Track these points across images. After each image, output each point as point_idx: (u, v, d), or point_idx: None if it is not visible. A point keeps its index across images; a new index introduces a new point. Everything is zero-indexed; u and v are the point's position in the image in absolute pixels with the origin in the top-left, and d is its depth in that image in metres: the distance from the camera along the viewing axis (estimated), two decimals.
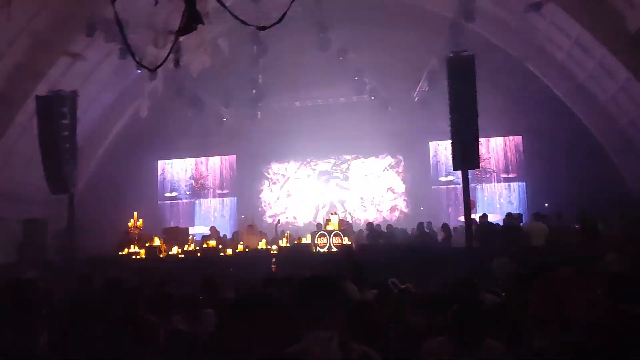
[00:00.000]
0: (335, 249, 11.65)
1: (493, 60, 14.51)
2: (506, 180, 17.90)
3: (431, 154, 18.30)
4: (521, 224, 12.36)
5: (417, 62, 15.85)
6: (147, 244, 12.47)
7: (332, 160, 18.91)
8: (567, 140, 15.74)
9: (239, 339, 2.11)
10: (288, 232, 14.44)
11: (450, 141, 10.88)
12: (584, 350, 2.27)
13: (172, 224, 16.96)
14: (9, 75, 13.97)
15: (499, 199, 17.76)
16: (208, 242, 12.89)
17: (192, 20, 3.87)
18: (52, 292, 5.05)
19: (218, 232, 14.36)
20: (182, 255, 12.29)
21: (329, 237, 12.00)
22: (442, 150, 17.61)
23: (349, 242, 12.11)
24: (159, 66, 5.16)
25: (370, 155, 18.62)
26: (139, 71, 15.35)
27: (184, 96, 16.77)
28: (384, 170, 18.65)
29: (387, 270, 7.01)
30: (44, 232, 13.37)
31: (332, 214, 13.86)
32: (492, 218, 12.96)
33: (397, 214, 18.21)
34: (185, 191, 19.83)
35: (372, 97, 17.15)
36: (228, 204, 19.55)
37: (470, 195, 12.23)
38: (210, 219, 18.69)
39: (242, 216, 17.53)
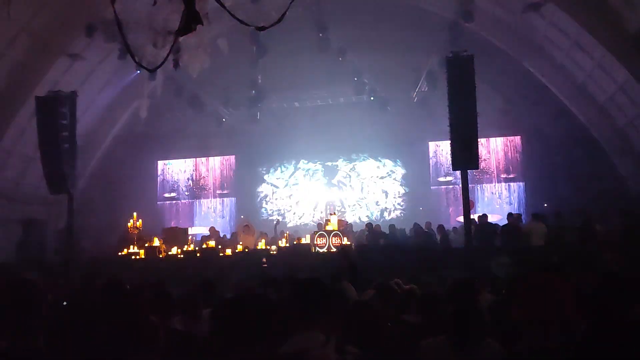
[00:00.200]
0: (334, 249, 11.67)
1: (492, 60, 14.50)
2: (505, 180, 17.92)
3: (430, 154, 18.33)
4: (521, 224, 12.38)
5: (417, 62, 15.90)
6: (146, 244, 12.48)
7: (332, 160, 18.92)
8: (566, 140, 15.76)
9: (233, 339, 2.11)
10: (287, 232, 14.46)
11: (450, 141, 10.87)
12: (583, 350, 2.27)
13: (172, 225, 16.97)
14: (8, 75, 13.97)
15: (498, 199, 17.78)
16: (207, 242, 12.90)
17: (191, 20, 3.87)
18: (51, 292, 5.05)
19: (217, 232, 14.37)
20: (182, 256, 12.30)
21: (329, 237, 12.05)
22: (441, 150, 17.63)
23: (349, 242, 12.13)
24: (159, 66, 5.16)
25: (370, 155, 18.63)
26: (138, 71, 15.39)
27: (184, 96, 16.78)
28: (383, 170, 18.66)
29: (387, 271, 7.02)
30: (44, 232, 13.37)
31: (331, 214, 13.88)
32: (491, 218, 12.97)
33: (396, 214, 18.22)
34: (184, 191, 19.84)
35: (372, 98, 17.16)
36: (228, 204, 19.56)
37: (470, 195, 12.23)
38: (209, 219, 18.71)
39: (242, 216, 17.54)
